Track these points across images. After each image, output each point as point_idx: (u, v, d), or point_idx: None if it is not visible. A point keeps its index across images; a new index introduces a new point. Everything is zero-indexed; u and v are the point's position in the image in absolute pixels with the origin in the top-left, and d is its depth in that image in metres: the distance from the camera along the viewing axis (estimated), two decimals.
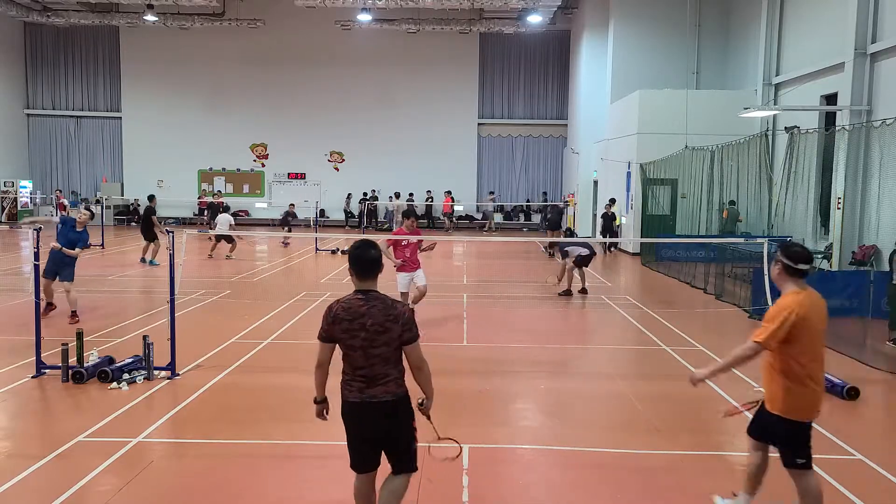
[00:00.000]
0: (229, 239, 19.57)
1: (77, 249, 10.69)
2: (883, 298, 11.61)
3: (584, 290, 14.36)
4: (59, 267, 10.60)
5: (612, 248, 23.34)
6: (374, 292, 4.01)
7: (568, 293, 14.07)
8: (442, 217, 32.57)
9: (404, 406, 4.07)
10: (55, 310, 10.96)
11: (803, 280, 4.41)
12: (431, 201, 33.39)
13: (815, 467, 4.57)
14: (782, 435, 4.45)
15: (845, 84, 15.99)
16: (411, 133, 34.00)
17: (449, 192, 33.07)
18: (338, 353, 4.09)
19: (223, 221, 19.66)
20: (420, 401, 4.18)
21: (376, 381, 3.98)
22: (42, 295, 10.12)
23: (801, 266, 4.38)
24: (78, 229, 10.72)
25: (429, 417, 4.25)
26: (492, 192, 34.20)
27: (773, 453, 4.65)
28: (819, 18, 18.17)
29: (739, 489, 4.77)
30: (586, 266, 14.48)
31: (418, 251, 10.63)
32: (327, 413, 4.27)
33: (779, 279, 4.49)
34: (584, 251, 14.16)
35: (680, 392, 7.84)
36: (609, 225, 22.56)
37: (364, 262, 4.04)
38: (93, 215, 11.50)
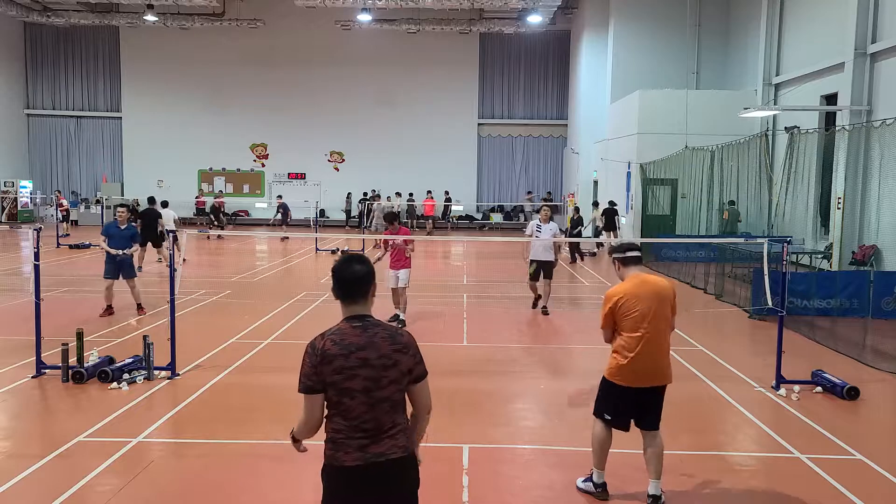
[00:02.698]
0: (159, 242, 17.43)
1: (135, 246, 11.61)
2: (884, 298, 11.63)
3: (544, 310, 12.09)
4: (121, 266, 11.18)
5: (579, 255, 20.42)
6: (370, 318, 3.13)
7: (538, 306, 12.25)
8: (423, 219, 32.03)
9: (414, 466, 3.16)
10: (113, 314, 11.22)
11: (638, 266, 5.04)
12: (450, 202, 33.38)
13: (657, 432, 5.03)
14: (600, 392, 5.12)
15: (845, 84, 16.00)
16: (411, 133, 34.00)
17: (430, 193, 32.58)
18: None
19: (167, 218, 17.62)
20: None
21: (383, 434, 3.05)
22: (104, 297, 11.10)
23: (630, 253, 5.03)
24: (122, 227, 11.35)
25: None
26: (529, 192, 34.16)
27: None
28: (819, 18, 18.18)
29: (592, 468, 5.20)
30: (548, 277, 11.94)
31: (405, 252, 10.64)
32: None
33: (621, 273, 5.11)
34: (546, 256, 11.83)
35: (680, 392, 7.83)
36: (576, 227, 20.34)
37: (348, 280, 3.12)
38: (129, 210, 12.12)
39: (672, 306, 4.97)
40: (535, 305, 12.33)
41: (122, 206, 12.06)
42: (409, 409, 3.21)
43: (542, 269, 11.87)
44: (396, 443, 3.06)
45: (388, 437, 3.04)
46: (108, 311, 11.19)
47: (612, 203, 21.98)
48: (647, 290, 4.92)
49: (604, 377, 5.10)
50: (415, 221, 32.12)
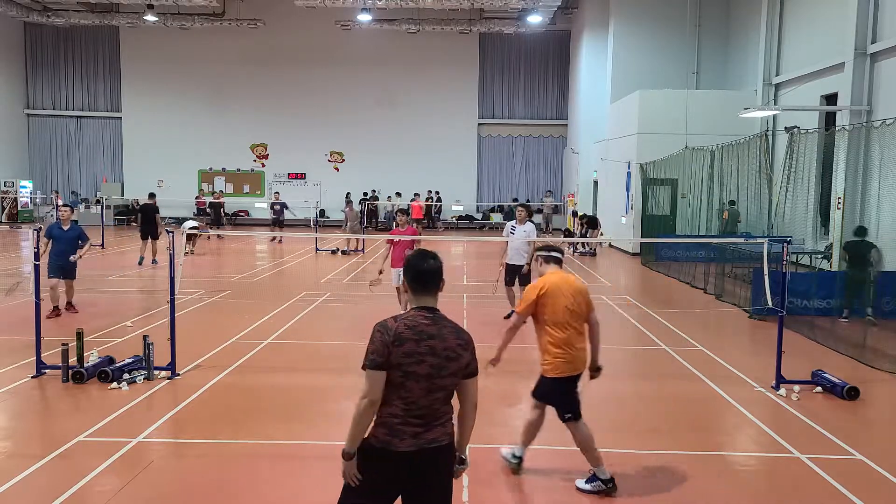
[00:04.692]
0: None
1: (86, 247, 11.06)
2: (883, 298, 11.64)
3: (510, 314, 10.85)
4: (65, 266, 10.86)
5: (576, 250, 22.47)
6: (439, 312, 3.32)
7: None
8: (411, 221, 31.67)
9: (454, 452, 3.37)
10: (60, 316, 10.93)
11: (558, 265, 5.51)
12: (431, 201, 33.36)
13: (582, 420, 5.31)
14: (549, 393, 5.34)
15: (845, 84, 16.00)
16: (411, 133, 34.00)
17: (417, 195, 32.31)
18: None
19: (185, 226, 18.45)
20: (462, 458, 3.41)
21: (435, 422, 3.24)
22: (49, 298, 10.53)
23: (553, 254, 5.53)
24: (65, 227, 10.85)
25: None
26: (549, 192, 34.13)
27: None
28: (819, 18, 18.18)
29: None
30: (522, 283, 10.94)
31: (408, 250, 10.52)
32: (359, 471, 3.25)
33: (541, 268, 5.55)
34: (517, 259, 11.08)
35: (680, 392, 7.84)
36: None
37: (423, 273, 3.33)
38: (72, 209, 11.45)
39: (587, 302, 5.38)
40: (510, 315, 10.85)
41: (65, 205, 11.46)
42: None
43: (516, 275, 11.09)
44: (445, 430, 3.27)
45: (440, 424, 3.25)
46: (55, 312, 10.85)
47: (592, 214, 24.18)
48: (567, 286, 5.33)
49: (550, 378, 5.28)
50: (432, 221, 31.93)
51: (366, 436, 3.23)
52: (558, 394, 5.29)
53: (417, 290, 3.33)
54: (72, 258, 10.66)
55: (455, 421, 3.36)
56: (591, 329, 5.45)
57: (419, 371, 3.16)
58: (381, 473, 3.20)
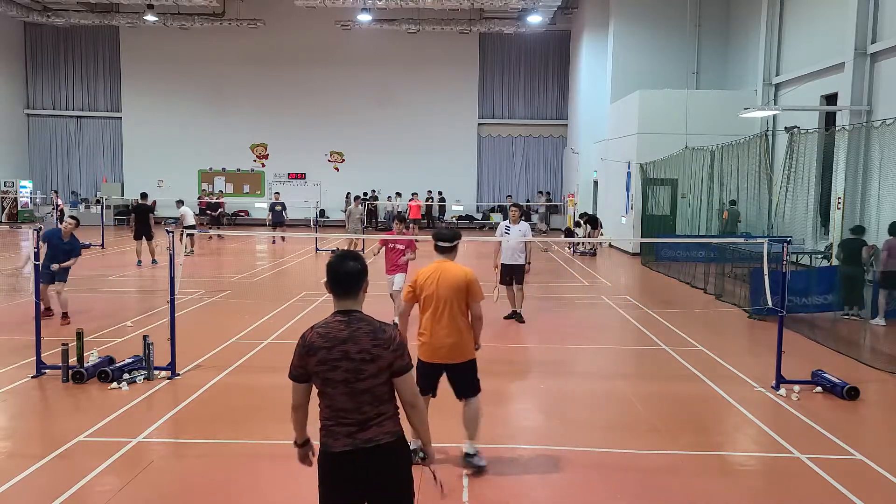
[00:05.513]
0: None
1: (72, 259, 10.73)
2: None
3: (518, 317, 11.24)
4: (56, 273, 10.50)
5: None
6: (357, 313, 3.27)
7: (514, 315, 11.33)
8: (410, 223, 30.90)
9: (404, 449, 3.31)
10: (52, 315, 10.86)
11: (444, 255, 5.58)
12: (431, 201, 33.36)
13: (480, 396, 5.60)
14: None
15: (845, 84, 16.00)
16: (411, 133, 34.01)
17: (415, 195, 32.19)
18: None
19: (187, 215, 20.01)
20: (418, 451, 3.46)
21: (368, 422, 3.20)
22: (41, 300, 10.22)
23: (438, 243, 5.61)
24: (65, 240, 10.68)
25: (434, 473, 3.56)
26: (547, 192, 34.09)
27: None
28: (819, 18, 18.18)
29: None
30: (518, 283, 11.17)
31: (398, 258, 10.33)
32: (314, 455, 3.47)
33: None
34: (514, 259, 11.05)
35: (680, 392, 7.84)
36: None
37: (341, 275, 3.29)
38: (78, 223, 11.18)
39: (467, 292, 5.41)
40: (509, 316, 11.31)
41: (72, 217, 11.34)
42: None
43: (512, 275, 11.06)
44: (382, 429, 3.20)
45: (375, 424, 3.19)
46: (48, 312, 10.78)
47: (592, 213, 24.68)
48: (443, 276, 5.43)
49: (419, 359, 5.49)
50: (432, 221, 31.92)
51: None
52: (418, 375, 5.22)
53: (336, 293, 3.29)
54: (53, 267, 10.35)
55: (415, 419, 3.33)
56: (472, 321, 5.56)
57: (335, 377, 3.16)
58: (330, 478, 3.23)
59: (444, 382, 5.57)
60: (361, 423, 3.18)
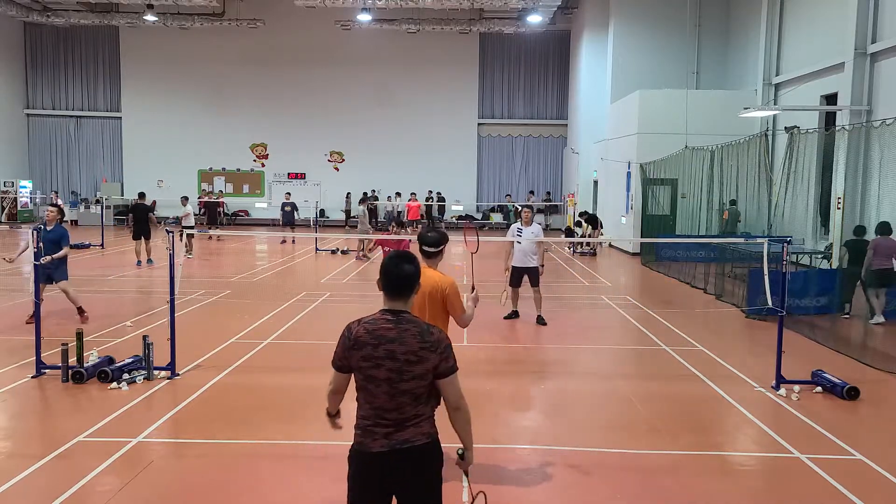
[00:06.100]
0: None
1: (64, 249, 10.37)
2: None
3: (539, 319, 11.21)
4: (52, 270, 10.23)
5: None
6: (406, 314, 3.27)
7: (514, 315, 11.47)
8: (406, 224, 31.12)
9: (437, 451, 3.30)
10: (86, 316, 10.74)
11: (428, 259, 5.37)
12: (432, 201, 33.36)
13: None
14: None
15: (845, 84, 16.00)
16: (411, 133, 34.01)
17: (413, 195, 32.06)
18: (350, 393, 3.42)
19: (190, 212, 20.76)
20: (459, 451, 3.42)
21: (406, 423, 3.21)
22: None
23: (423, 247, 5.41)
24: (49, 228, 10.27)
25: (466, 473, 3.57)
26: (531, 192, 34.14)
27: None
28: (819, 18, 18.18)
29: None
30: (535, 285, 11.14)
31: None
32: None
33: None
34: (528, 262, 11.01)
35: (680, 392, 7.84)
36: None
37: (395, 277, 3.30)
38: (60, 210, 10.86)
39: (444, 300, 5.23)
40: (509, 316, 11.38)
41: (52, 205, 10.94)
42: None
43: (528, 277, 11.05)
44: (420, 430, 3.22)
45: (412, 426, 3.21)
46: (81, 313, 10.68)
47: (591, 212, 24.77)
48: (422, 283, 5.31)
49: None
50: (432, 221, 31.86)
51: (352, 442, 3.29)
52: None
53: (389, 293, 3.31)
54: (42, 260, 9.45)
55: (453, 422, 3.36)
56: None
57: (378, 375, 3.16)
58: (362, 477, 3.23)
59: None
60: (400, 423, 3.19)
